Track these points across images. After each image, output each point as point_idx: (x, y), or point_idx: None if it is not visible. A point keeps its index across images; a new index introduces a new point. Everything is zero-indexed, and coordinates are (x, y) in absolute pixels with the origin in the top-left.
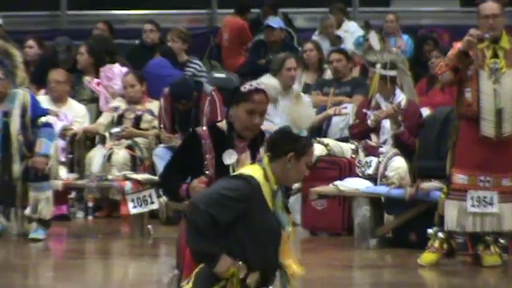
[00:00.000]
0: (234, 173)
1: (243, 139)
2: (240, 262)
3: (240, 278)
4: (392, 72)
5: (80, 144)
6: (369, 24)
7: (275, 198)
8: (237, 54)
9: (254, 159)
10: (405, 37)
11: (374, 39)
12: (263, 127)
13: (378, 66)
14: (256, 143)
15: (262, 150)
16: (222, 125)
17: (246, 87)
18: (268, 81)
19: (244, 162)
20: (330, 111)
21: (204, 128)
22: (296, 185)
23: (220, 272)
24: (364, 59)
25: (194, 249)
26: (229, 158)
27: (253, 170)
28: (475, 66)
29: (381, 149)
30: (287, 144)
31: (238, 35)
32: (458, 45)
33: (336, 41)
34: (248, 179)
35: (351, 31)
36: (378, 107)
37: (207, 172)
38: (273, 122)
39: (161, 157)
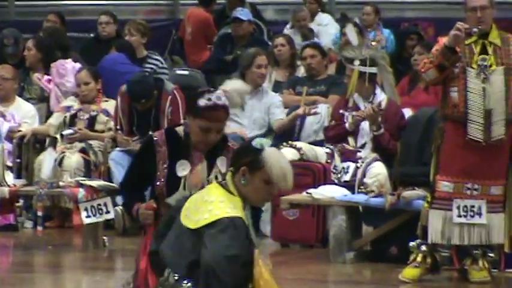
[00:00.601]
0: (221, 221)
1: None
2: None
3: None
4: (372, 69)
5: (28, 148)
6: (346, 17)
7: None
8: (200, 49)
9: (211, 169)
10: (386, 31)
11: (351, 33)
12: (230, 130)
13: (357, 62)
14: (216, 151)
15: (220, 160)
16: (180, 129)
17: (204, 101)
18: (234, 86)
19: (198, 175)
20: (300, 110)
21: (162, 131)
22: None
23: None
24: (341, 55)
25: None
26: (182, 170)
27: (217, 193)
28: (462, 63)
29: (359, 154)
30: (241, 158)
31: (203, 29)
32: (443, 40)
33: (309, 35)
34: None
35: (324, 24)
36: (356, 107)
37: (157, 183)
38: (242, 123)
39: (118, 162)
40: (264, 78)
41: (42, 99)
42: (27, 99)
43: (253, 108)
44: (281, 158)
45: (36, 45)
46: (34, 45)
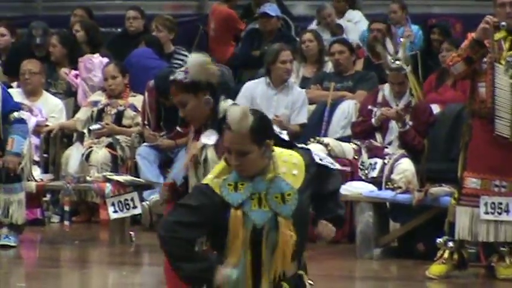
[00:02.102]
0: None
1: None
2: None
3: None
4: (408, 68)
5: (55, 142)
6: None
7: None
8: (224, 44)
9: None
10: (415, 28)
11: (388, 45)
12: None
13: (408, 68)
14: (206, 127)
15: (205, 133)
16: None
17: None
18: (194, 60)
19: (189, 152)
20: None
21: None
22: None
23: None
24: (389, 69)
25: (188, 278)
26: (207, 139)
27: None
28: (490, 58)
29: (386, 150)
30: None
31: (225, 24)
32: (472, 35)
33: (337, 31)
34: (203, 190)
35: (355, 21)
36: (385, 103)
37: None
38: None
39: (145, 157)
40: (289, 74)
41: (68, 93)
42: (53, 94)
43: (278, 104)
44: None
45: (61, 41)
46: (58, 41)
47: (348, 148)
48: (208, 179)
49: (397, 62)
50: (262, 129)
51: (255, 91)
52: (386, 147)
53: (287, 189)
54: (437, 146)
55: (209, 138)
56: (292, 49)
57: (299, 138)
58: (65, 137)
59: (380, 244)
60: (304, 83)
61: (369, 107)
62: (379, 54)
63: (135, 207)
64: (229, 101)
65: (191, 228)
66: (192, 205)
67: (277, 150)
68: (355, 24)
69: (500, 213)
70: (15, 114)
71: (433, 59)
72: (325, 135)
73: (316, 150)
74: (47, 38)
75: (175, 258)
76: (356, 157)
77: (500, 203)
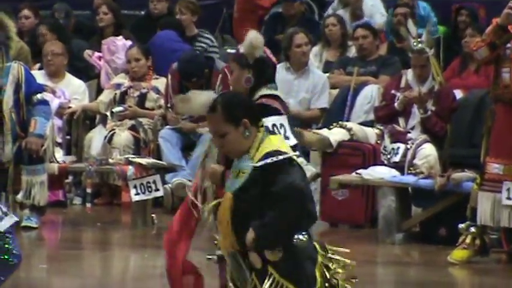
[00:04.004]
0: None
1: None
2: None
3: None
4: (431, 52)
5: (78, 124)
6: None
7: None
8: (247, 28)
9: None
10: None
11: (411, 28)
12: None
13: (430, 52)
14: None
15: None
16: None
17: None
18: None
19: None
20: None
21: None
22: (314, 172)
23: None
24: (410, 51)
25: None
26: None
27: None
28: None
29: (409, 135)
30: None
31: (248, 7)
32: (496, 20)
33: (360, 14)
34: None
35: (376, 4)
36: (408, 88)
37: None
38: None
39: (167, 140)
40: (306, 56)
41: (91, 76)
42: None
43: (299, 88)
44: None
45: (109, 8)
46: (108, 9)
47: (371, 133)
48: None
49: (420, 45)
50: (233, 108)
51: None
52: (409, 132)
53: (243, 167)
54: (460, 131)
55: None
56: (315, 33)
57: (320, 122)
58: (88, 119)
59: (402, 229)
60: (328, 68)
61: (392, 91)
62: (402, 37)
63: (157, 189)
64: (274, 87)
65: None
66: None
67: (273, 136)
68: (378, 8)
69: None
70: (38, 95)
71: (458, 43)
72: (348, 120)
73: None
74: (70, 20)
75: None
76: (379, 142)
77: None
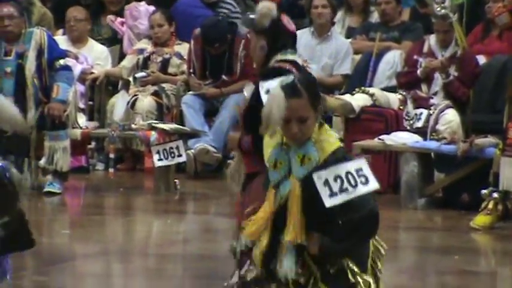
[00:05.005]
0: None
1: None
2: None
3: None
4: (455, 17)
5: (101, 90)
6: None
7: (280, 153)
8: None
9: None
10: None
11: None
12: None
13: (454, 17)
14: None
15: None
16: None
17: None
18: None
19: None
20: None
21: None
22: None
23: None
24: (433, 15)
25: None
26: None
27: None
28: None
29: (431, 101)
30: None
31: None
32: None
33: None
34: None
35: None
36: (431, 54)
37: None
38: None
39: (190, 105)
40: (323, 18)
41: (113, 41)
42: (97, 41)
43: (322, 54)
44: (273, 100)
45: None
46: None
47: (393, 98)
48: None
49: (443, 10)
50: (316, 91)
51: (299, 41)
52: (432, 98)
53: (310, 153)
54: (483, 97)
55: (247, 90)
56: None
57: (343, 88)
58: (110, 85)
59: (424, 194)
60: (350, 33)
61: (415, 57)
62: (425, 2)
63: (180, 155)
64: (290, 52)
65: None
66: None
67: (325, 125)
68: None
69: None
70: (61, 61)
71: (481, 8)
72: (371, 85)
73: (362, 99)
74: None
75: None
76: (401, 107)
77: None
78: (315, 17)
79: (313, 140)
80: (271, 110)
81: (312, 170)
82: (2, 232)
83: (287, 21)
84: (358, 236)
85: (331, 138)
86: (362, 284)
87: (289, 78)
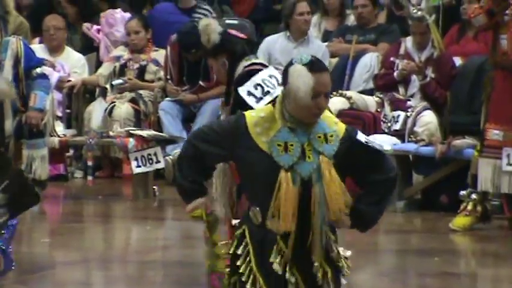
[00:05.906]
0: None
1: None
2: (257, 208)
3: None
4: (432, 19)
5: (78, 98)
6: None
7: (290, 137)
8: None
9: None
10: None
11: None
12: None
13: (431, 18)
14: None
15: None
16: None
17: None
18: None
19: None
20: None
21: None
22: None
23: (187, 212)
24: (410, 18)
25: (176, 185)
26: None
27: (261, 109)
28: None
29: (409, 103)
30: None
31: None
32: None
33: None
34: (238, 118)
35: None
36: (407, 55)
37: None
38: None
39: (167, 112)
40: (308, 25)
41: (89, 49)
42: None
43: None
44: (300, 74)
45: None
46: (66, 1)
47: (371, 101)
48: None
49: (420, 12)
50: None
51: (274, 46)
52: (409, 100)
53: (329, 131)
54: (460, 98)
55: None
56: (314, 3)
57: None
58: (88, 93)
59: (403, 197)
60: (327, 37)
61: (391, 58)
62: (402, 5)
63: (158, 161)
64: (253, 57)
65: (210, 145)
66: (218, 131)
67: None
68: None
69: None
70: (38, 69)
71: (456, 10)
72: (348, 89)
73: (339, 103)
74: None
75: (178, 162)
76: (379, 110)
77: None
78: (301, 23)
79: (322, 118)
80: (299, 87)
81: (340, 144)
82: (5, 195)
83: (235, 32)
84: (391, 195)
85: (326, 112)
86: (346, 269)
87: (305, 56)
